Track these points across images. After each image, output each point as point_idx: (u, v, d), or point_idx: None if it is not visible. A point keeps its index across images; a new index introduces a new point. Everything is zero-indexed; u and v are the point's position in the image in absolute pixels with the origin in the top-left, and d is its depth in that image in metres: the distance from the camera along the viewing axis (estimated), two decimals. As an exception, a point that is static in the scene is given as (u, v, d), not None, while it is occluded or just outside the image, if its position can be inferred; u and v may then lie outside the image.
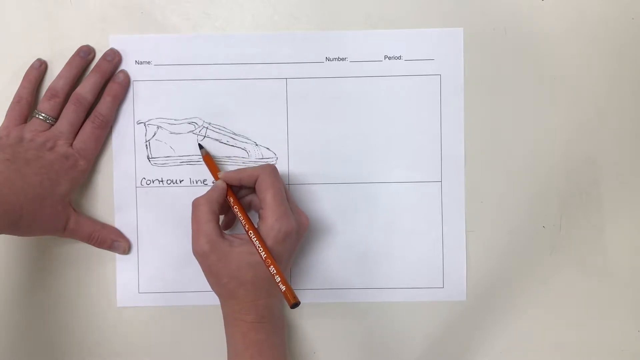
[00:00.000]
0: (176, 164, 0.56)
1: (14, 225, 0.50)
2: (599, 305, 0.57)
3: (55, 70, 0.55)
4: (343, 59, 0.56)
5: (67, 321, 0.57)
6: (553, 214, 0.56)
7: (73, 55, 0.55)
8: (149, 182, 0.56)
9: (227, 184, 0.53)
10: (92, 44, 0.56)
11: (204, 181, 0.56)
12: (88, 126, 0.54)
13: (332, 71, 0.56)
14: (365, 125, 0.56)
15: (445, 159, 0.56)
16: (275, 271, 0.49)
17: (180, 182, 0.56)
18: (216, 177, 0.54)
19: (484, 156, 0.56)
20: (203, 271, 0.51)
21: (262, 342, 0.50)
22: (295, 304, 0.48)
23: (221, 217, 0.55)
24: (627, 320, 0.57)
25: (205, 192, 0.52)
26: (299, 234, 0.52)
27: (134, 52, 0.56)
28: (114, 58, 0.55)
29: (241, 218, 0.51)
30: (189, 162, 0.56)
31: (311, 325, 0.57)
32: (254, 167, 0.53)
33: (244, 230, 0.51)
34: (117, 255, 0.56)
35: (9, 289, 0.57)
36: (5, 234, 0.50)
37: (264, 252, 0.49)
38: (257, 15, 0.56)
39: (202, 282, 0.56)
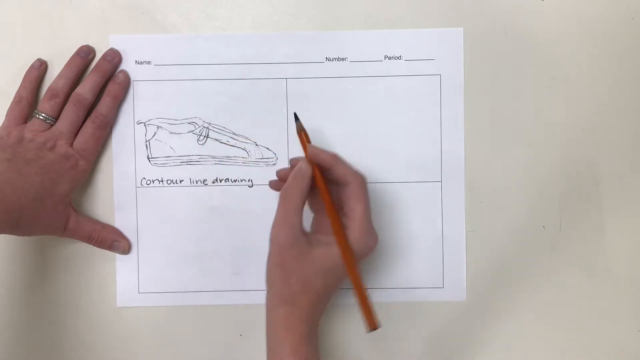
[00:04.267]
0: (176, 164, 0.56)
1: (15, 225, 0.50)
2: (599, 305, 0.57)
3: (55, 70, 0.55)
4: (343, 59, 0.56)
5: (67, 321, 0.57)
6: (553, 214, 0.56)
7: (73, 55, 0.55)
8: (149, 182, 0.56)
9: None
10: (92, 44, 0.56)
11: (204, 181, 0.56)
12: (88, 126, 0.54)
13: (332, 71, 0.56)
14: (365, 125, 0.56)
15: (445, 159, 0.56)
16: (360, 290, 0.46)
17: (180, 182, 0.56)
18: (306, 152, 0.50)
19: (484, 156, 0.56)
20: (273, 262, 0.48)
21: (311, 356, 0.47)
22: (373, 329, 0.45)
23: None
24: (627, 320, 0.57)
25: (292, 179, 0.49)
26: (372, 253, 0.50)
27: (134, 52, 0.56)
28: (114, 58, 0.55)
29: (331, 217, 0.48)
30: (189, 162, 0.56)
31: (311, 325, 0.57)
32: (345, 166, 0.49)
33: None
34: (117, 255, 0.56)
35: (9, 289, 0.57)
36: (6, 233, 0.50)
37: (350, 266, 0.46)
38: (257, 15, 0.56)
39: (202, 282, 0.56)
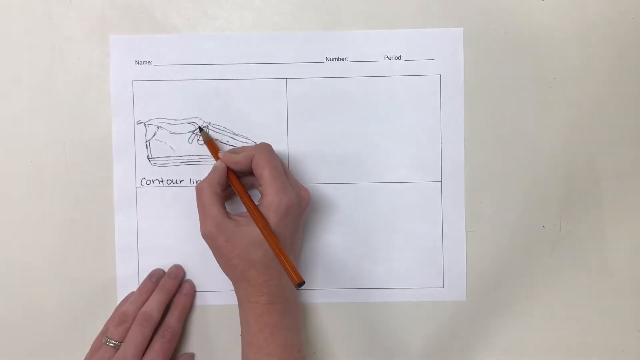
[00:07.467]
0: (176, 164, 0.56)
1: None
2: (599, 305, 0.57)
3: (55, 73, 0.55)
4: (343, 59, 0.56)
5: (67, 321, 0.57)
6: (553, 214, 0.56)
7: (145, 281, 0.56)
8: (149, 182, 0.56)
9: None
10: (92, 44, 0.56)
11: (204, 181, 0.56)
12: (157, 342, 0.53)
13: (332, 71, 0.56)
14: (365, 125, 0.56)
15: (445, 159, 0.56)
16: (278, 250, 0.48)
17: (180, 182, 0.56)
18: (217, 158, 0.54)
19: (484, 156, 0.56)
20: (213, 254, 0.51)
21: (276, 324, 0.50)
22: (300, 283, 0.47)
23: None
24: (627, 320, 0.57)
25: (206, 175, 0.52)
26: (300, 208, 0.51)
27: (134, 52, 0.56)
28: (178, 275, 0.56)
29: (242, 198, 0.51)
30: (189, 162, 0.56)
31: (311, 325, 0.57)
32: (250, 147, 0.52)
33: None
34: (117, 255, 0.56)
35: (9, 289, 0.57)
36: None
37: (265, 231, 0.49)
38: (257, 15, 0.56)
39: (202, 282, 0.56)
